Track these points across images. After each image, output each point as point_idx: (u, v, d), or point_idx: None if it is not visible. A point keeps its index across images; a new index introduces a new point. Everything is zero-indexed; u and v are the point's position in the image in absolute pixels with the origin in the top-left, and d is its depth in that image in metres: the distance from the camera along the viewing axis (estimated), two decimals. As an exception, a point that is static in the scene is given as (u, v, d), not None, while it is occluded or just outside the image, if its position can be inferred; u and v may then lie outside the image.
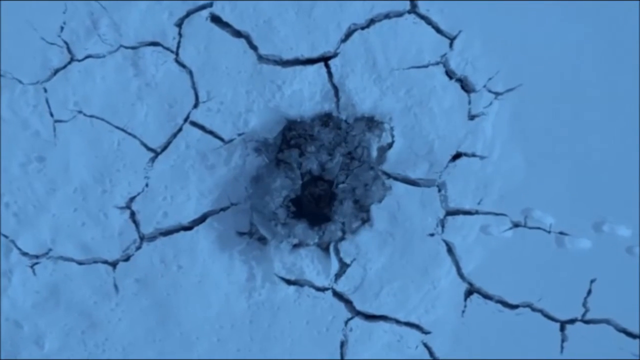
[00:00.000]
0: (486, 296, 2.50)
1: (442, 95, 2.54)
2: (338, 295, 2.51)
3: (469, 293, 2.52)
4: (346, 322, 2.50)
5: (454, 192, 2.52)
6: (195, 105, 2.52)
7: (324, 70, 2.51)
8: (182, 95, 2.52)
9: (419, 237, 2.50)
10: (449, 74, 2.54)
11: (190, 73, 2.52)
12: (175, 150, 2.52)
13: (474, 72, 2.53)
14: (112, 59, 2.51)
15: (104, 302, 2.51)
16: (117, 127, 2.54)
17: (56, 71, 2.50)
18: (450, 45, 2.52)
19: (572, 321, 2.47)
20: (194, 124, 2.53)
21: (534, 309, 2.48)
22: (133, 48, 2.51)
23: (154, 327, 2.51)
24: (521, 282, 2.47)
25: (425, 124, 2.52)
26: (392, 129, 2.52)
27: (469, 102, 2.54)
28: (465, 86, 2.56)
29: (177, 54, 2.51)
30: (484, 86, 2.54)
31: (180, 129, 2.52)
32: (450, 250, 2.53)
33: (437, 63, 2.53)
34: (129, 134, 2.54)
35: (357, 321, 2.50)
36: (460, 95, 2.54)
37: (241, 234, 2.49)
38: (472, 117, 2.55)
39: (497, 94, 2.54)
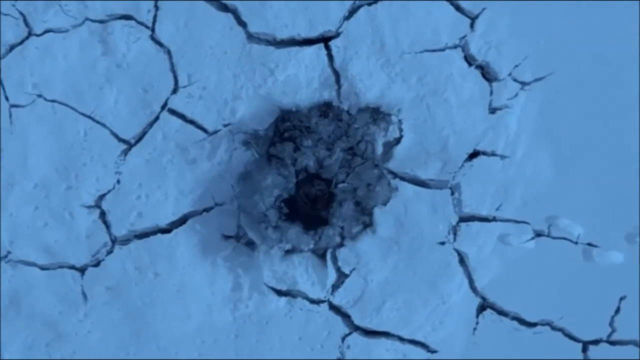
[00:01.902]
0: (501, 312, 2.34)
1: (460, 84, 2.34)
2: (335, 308, 2.35)
3: (481, 308, 2.35)
4: (343, 339, 2.35)
5: (469, 195, 2.34)
6: (174, 91, 2.33)
7: (323, 52, 2.34)
8: (159, 78, 2.32)
9: (428, 246, 2.33)
10: (469, 60, 2.34)
11: (169, 53, 2.32)
12: (151, 142, 2.33)
13: (498, 57, 2.32)
14: (76, 34, 2.31)
15: (70, 312, 2.34)
16: (83, 114, 2.33)
17: (11, 48, 2.31)
18: (472, 25, 2.33)
19: (596, 342, 2.31)
20: (172, 112, 2.34)
21: (554, 328, 2.32)
22: (101, 22, 2.32)
23: (128, 341, 2.36)
24: (541, 298, 2.32)
25: (439, 117, 2.34)
26: (400, 122, 2.34)
27: (491, 93, 2.34)
28: (487, 74, 2.36)
29: (152, 30, 2.33)
30: (509, 74, 2.33)
31: (156, 118, 2.33)
32: (462, 261, 2.35)
33: (456, 46, 2.34)
34: (97, 122, 2.34)
35: (356, 337, 2.35)
36: (481, 84, 2.35)
37: (226, 237, 2.33)
38: (493, 110, 2.35)
39: (523, 83, 2.35)
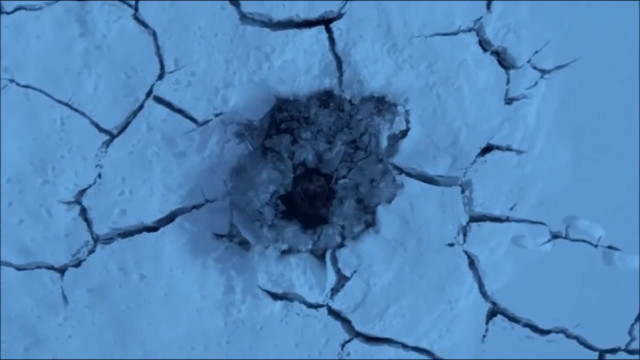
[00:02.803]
0: (512, 319, 2.27)
1: (474, 72, 2.23)
2: (334, 313, 2.28)
3: (491, 314, 2.29)
4: (343, 346, 2.29)
5: (481, 193, 2.26)
6: (160, 77, 2.21)
7: (324, 35, 2.22)
8: (143, 62, 2.20)
9: (436, 248, 2.26)
10: (484, 45, 2.22)
11: (154, 34, 2.20)
12: (135, 132, 2.22)
13: (517, 42, 2.20)
14: (50, 13, 2.17)
15: (50, 315, 2.26)
16: (60, 102, 2.21)
17: (-21, 27, 2.12)
18: (488, 6, 2.21)
19: (613, 350, 2.25)
20: (158, 100, 2.22)
21: (568, 336, 2.26)
22: (78, -1, 2.11)
23: (111, 347, 2.28)
24: (556, 304, 2.26)
25: (450, 107, 2.24)
26: (407, 112, 2.24)
27: (508, 82, 2.23)
28: (504, 61, 2.24)
29: (135, 8, 2.19)
30: (529, 61, 2.22)
31: (140, 106, 2.21)
32: (472, 264, 2.28)
33: (470, 30, 2.22)
34: (75, 110, 2.21)
35: (356, 344, 2.28)
36: (497, 72, 2.24)
37: (218, 237, 2.25)
38: (510, 101, 2.25)
39: (544, 71, 2.23)
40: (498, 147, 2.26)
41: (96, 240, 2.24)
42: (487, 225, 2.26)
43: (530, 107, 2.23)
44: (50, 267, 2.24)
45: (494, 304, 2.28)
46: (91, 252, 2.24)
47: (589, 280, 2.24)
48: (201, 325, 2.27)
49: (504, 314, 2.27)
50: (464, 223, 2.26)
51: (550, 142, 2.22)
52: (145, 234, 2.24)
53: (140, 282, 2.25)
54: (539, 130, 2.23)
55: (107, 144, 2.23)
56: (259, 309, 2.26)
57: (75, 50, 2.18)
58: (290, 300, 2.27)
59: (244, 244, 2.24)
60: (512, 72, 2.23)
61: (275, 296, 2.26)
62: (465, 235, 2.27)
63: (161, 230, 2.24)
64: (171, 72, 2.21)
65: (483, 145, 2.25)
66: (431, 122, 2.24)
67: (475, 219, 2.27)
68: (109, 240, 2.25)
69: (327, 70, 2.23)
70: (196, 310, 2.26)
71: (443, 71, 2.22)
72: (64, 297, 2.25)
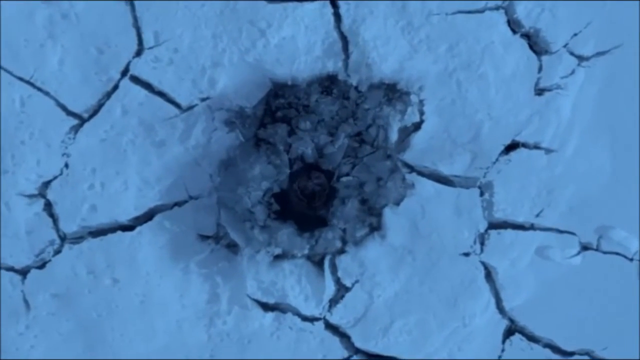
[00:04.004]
0: (532, 338, 2.17)
1: (502, 57, 2.10)
2: (332, 328, 2.17)
3: (509, 333, 2.18)
4: None
5: (503, 197, 2.14)
6: (138, 53, 2.08)
7: (329, 10, 2.08)
8: (118, 36, 2.06)
9: (449, 257, 2.14)
10: (514, 25, 2.10)
11: (131, 3, 2.06)
12: (108, 117, 2.09)
13: (552, 23, 2.07)
14: None
15: (9, 322, 2.14)
16: (20, 78, 2.07)
17: None
18: None
19: None
20: (135, 79, 2.09)
21: (594, 359, 2.15)
22: (40, -42, 2.03)
23: (80, 358, 2.16)
24: (581, 323, 2.15)
25: (472, 97, 2.10)
26: (422, 102, 2.12)
27: (540, 69, 2.11)
28: (536, 45, 2.12)
29: None
30: (565, 46, 2.10)
31: (115, 87, 2.08)
32: (489, 276, 2.16)
33: (498, 8, 2.08)
34: (38, 89, 2.07)
35: None
36: (527, 57, 2.10)
37: (203, 238, 2.14)
38: (541, 91, 2.12)
39: (582, 58, 2.10)
40: (525, 145, 2.14)
41: (63, 239, 2.12)
42: (509, 233, 2.16)
43: (564, 99, 2.10)
44: (10, 269, 2.13)
45: (511, 321, 2.17)
46: (57, 252, 2.12)
47: (621, 298, 2.14)
48: (181, 338, 2.15)
49: (523, 332, 2.16)
50: (481, 230, 2.15)
51: (585, 140, 2.11)
52: (119, 233, 2.13)
53: (113, 287, 2.13)
54: (573, 127, 2.12)
55: (75, 129, 2.11)
56: (247, 321, 2.14)
57: (37, 19, 2.04)
58: (283, 311, 2.17)
59: (232, 247, 2.14)
60: (545, 58, 2.11)
61: (266, 307, 2.15)
62: (482, 243, 2.16)
63: (137, 229, 2.12)
64: (150, 48, 2.08)
65: (508, 142, 2.13)
66: (449, 113, 2.12)
67: (495, 225, 2.16)
68: (77, 239, 2.13)
69: (331, 51, 2.10)
70: (176, 321, 2.15)
71: (465, 55, 2.10)
72: (26, 303, 2.13)
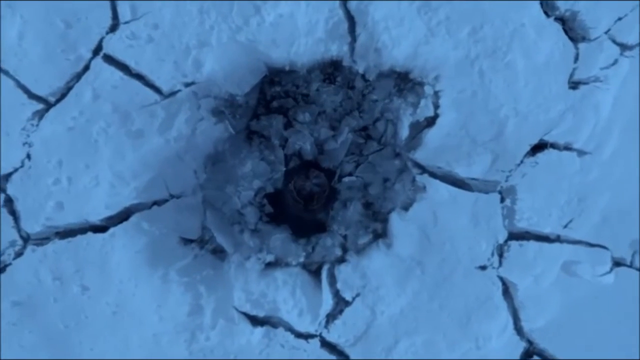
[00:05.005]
0: None
1: (533, 43, 1.97)
2: (329, 346, 2.06)
3: (526, 355, 2.07)
4: None
5: (528, 204, 2.02)
6: (112, 28, 1.98)
7: None
8: (89, 7, 1.96)
9: (463, 271, 2.03)
10: (548, 8, 1.99)
11: None
12: (77, 102, 1.98)
13: (592, 5, 1.97)
14: None
15: None
16: None
17: None
18: None
19: None
20: (109, 59, 1.98)
21: None
22: None
23: None
24: (609, 347, 2.04)
25: (496, 89, 1.98)
26: (437, 94, 2.01)
27: (576, 58, 1.98)
28: (573, 30, 2.00)
29: None
30: (607, 32, 1.98)
31: (85, 67, 1.98)
32: (508, 292, 2.05)
33: None
34: None
35: None
36: (563, 44, 1.98)
37: (186, 242, 2.05)
38: (576, 84, 1.99)
39: (627, 47, 1.98)
40: (554, 146, 2.03)
41: (26, 240, 2.02)
42: (532, 245, 2.04)
43: (603, 93, 1.98)
44: (-35, 272, 2.02)
45: (530, 342, 2.06)
46: (19, 254, 2.02)
47: (656, 321, 2.02)
48: (158, 355, 2.03)
49: (542, 355, 2.05)
50: (501, 241, 2.04)
51: (625, 142, 1.99)
52: (89, 234, 2.02)
53: (82, 295, 2.02)
54: (612, 126, 1.99)
55: (39, 115, 1.99)
56: (234, 336, 2.04)
57: (-9, -16, 1.89)
58: (274, 326, 2.07)
59: (218, 253, 2.08)
60: (582, 45, 1.98)
61: (255, 321, 2.06)
62: (501, 256, 2.05)
63: (111, 230, 2.01)
64: (127, 23, 1.97)
65: (535, 141, 2.01)
66: (468, 107, 1.99)
67: (516, 236, 2.05)
68: (42, 240, 2.02)
69: (336, 33, 1.99)
70: (152, 335, 2.03)
71: (491, 40, 1.97)
72: (-17, 311, 2.01)
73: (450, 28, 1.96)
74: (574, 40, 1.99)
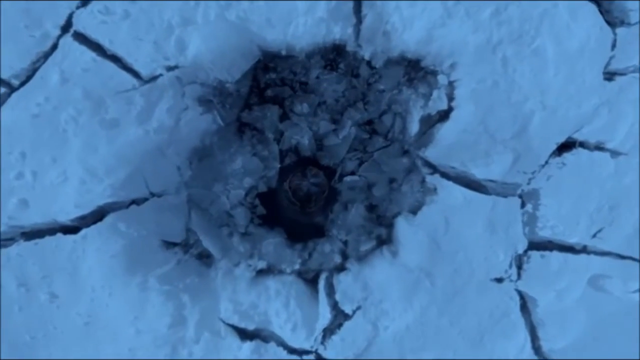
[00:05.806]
0: None
1: (566, 26, 1.88)
2: None
3: None
4: None
5: (552, 210, 1.95)
6: (84, 2, 1.90)
7: None
8: None
9: (477, 283, 1.97)
10: None
11: None
12: (43, 85, 1.90)
13: None
14: None
15: None
16: None
17: None
18: None
19: None
20: (79, 37, 1.90)
21: None
22: None
23: None
24: None
25: (521, 78, 1.90)
26: (452, 85, 1.95)
27: (614, 45, 1.89)
28: (610, 12, 1.92)
29: None
30: None
31: (53, 46, 1.90)
32: (526, 308, 1.98)
33: None
34: None
35: None
36: (599, 28, 1.88)
37: (168, 246, 2.00)
38: (611, 75, 1.91)
39: None
40: (585, 145, 1.94)
41: None
42: (555, 256, 1.96)
43: None
44: None
45: None
46: None
47: (691, 342, 1.91)
48: None
49: None
50: (520, 251, 1.97)
51: None
52: (59, 236, 1.93)
53: (50, 304, 1.94)
54: None
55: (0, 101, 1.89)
56: (220, 351, 1.96)
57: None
58: (265, 341, 2.00)
59: (205, 259, 2.03)
60: (621, 30, 1.88)
61: (244, 334, 1.99)
62: (520, 268, 1.98)
63: (83, 232, 1.92)
64: None
65: (563, 139, 1.93)
66: (488, 100, 1.90)
67: (538, 246, 1.99)
68: (5, 242, 1.93)
69: (339, 12, 1.92)
70: (128, 350, 1.95)
71: (516, 22, 1.88)
72: (-61, 320, 1.92)
73: (470, 8, 1.86)
74: (611, 24, 1.89)
